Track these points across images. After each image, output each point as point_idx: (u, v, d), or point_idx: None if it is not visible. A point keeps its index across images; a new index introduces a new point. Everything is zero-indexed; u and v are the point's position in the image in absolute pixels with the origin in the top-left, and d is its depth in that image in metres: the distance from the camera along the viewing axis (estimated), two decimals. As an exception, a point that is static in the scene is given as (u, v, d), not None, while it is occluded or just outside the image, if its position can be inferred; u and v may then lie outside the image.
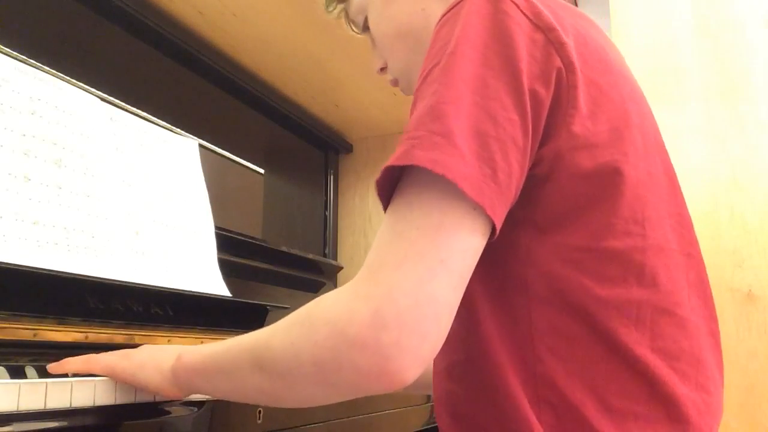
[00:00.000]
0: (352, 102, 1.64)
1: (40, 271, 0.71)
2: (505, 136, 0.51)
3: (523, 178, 0.54)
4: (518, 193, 0.54)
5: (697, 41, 1.65)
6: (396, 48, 0.76)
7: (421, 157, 0.49)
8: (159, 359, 0.62)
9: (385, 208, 0.53)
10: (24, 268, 0.69)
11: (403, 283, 0.47)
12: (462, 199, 0.49)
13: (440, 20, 0.58)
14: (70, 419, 0.56)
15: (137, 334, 0.79)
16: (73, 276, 0.74)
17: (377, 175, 0.52)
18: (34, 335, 0.68)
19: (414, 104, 0.56)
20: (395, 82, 0.81)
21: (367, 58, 1.45)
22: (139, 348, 0.68)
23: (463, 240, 0.50)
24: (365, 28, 0.79)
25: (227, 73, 1.37)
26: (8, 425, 0.50)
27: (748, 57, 1.60)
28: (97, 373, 0.62)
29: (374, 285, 0.48)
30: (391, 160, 0.51)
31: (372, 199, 1.83)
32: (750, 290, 1.50)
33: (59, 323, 0.71)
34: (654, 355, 0.54)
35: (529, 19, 0.56)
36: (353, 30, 0.85)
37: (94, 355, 0.64)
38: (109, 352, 0.66)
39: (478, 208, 0.49)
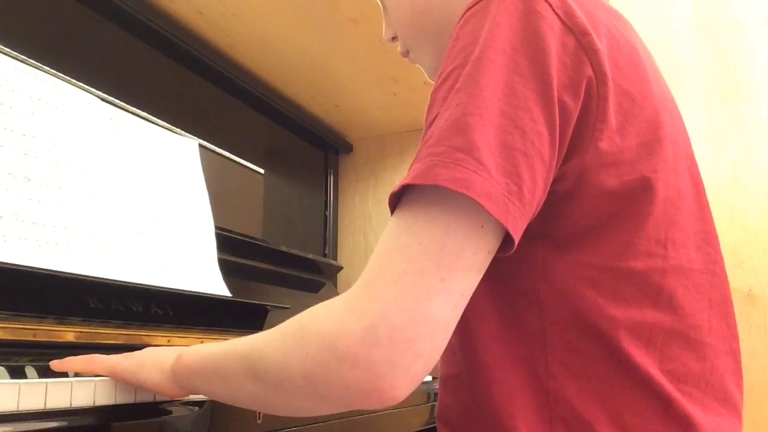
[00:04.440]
0: (352, 102, 1.64)
1: (40, 271, 0.71)
2: (532, 151, 0.48)
3: (546, 194, 0.51)
4: (539, 209, 0.51)
5: (697, 41, 1.66)
6: (410, 25, 0.72)
7: (444, 176, 0.46)
8: (160, 358, 0.62)
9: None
10: (24, 268, 0.69)
11: (399, 300, 0.46)
12: (471, 215, 0.47)
13: (465, 14, 0.55)
14: (70, 419, 0.56)
15: (137, 334, 0.79)
16: (73, 276, 0.74)
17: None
18: (34, 335, 0.68)
19: (431, 106, 0.53)
20: (405, 54, 0.77)
21: (367, 58, 1.45)
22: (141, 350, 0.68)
23: (467, 258, 0.47)
24: None
25: (227, 73, 1.37)
26: (8, 425, 0.50)
27: (748, 57, 1.60)
28: (98, 372, 0.61)
29: (369, 299, 0.47)
30: (412, 178, 0.48)
31: (372, 199, 1.83)
32: (750, 290, 1.50)
33: (59, 323, 0.71)
34: (663, 377, 0.53)
35: (562, 21, 0.52)
36: None
37: (96, 354, 0.64)
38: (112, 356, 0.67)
39: (488, 225, 0.47)
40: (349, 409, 0.50)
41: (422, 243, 0.47)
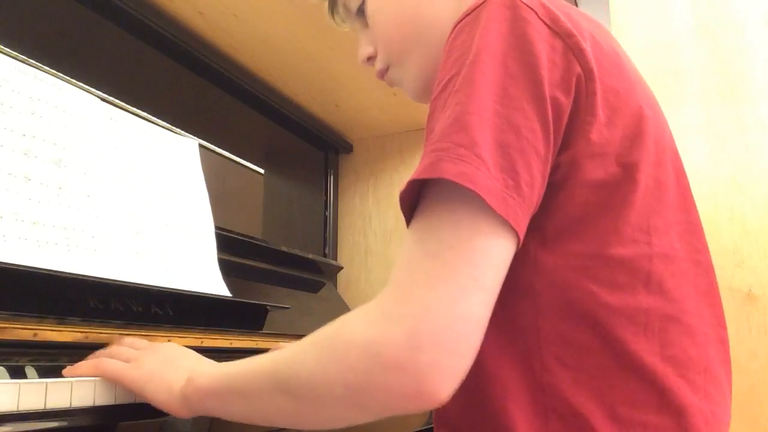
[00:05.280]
0: (352, 102, 1.64)
1: (40, 271, 0.71)
2: (527, 147, 0.51)
3: (544, 188, 0.53)
4: (539, 203, 0.53)
5: (697, 41, 1.66)
6: (394, 36, 0.73)
7: (449, 170, 0.48)
8: (168, 378, 0.62)
9: (408, 221, 0.53)
10: (24, 268, 0.69)
11: (437, 303, 0.47)
12: (491, 214, 0.48)
13: (456, 27, 0.57)
14: (70, 419, 0.56)
15: (137, 334, 0.79)
16: (73, 276, 0.74)
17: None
18: (34, 335, 0.68)
19: (431, 114, 0.55)
20: (382, 73, 0.77)
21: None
22: (151, 349, 0.68)
23: (495, 256, 0.49)
24: (359, 12, 0.76)
25: (227, 73, 1.37)
26: (8, 425, 0.50)
27: (748, 57, 1.60)
28: (106, 379, 0.62)
29: (406, 305, 0.48)
30: (418, 173, 0.50)
31: (372, 199, 1.83)
32: (750, 290, 1.50)
33: (59, 323, 0.71)
34: (663, 364, 0.54)
35: (548, 26, 0.55)
36: (334, 19, 0.80)
37: (104, 359, 0.64)
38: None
39: (507, 223, 0.49)
40: (391, 415, 0.51)
41: (452, 246, 0.49)
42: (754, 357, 1.44)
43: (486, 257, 0.49)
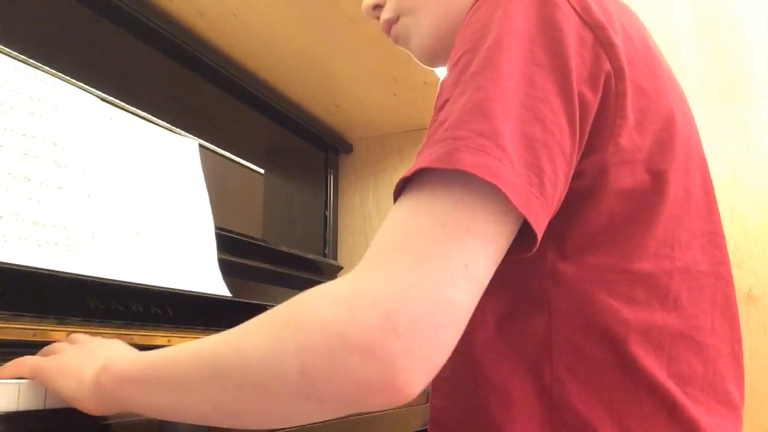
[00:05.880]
0: (352, 102, 1.64)
1: (40, 271, 0.71)
2: (553, 143, 0.46)
3: (566, 190, 0.49)
4: (560, 205, 0.49)
5: (697, 41, 1.65)
6: None
7: (469, 162, 0.43)
8: (81, 366, 0.54)
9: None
10: (24, 268, 0.69)
11: (422, 285, 0.41)
12: (494, 201, 0.44)
13: (475, 3, 0.53)
14: (70, 419, 0.56)
15: (137, 334, 0.79)
16: (73, 276, 0.74)
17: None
18: (34, 335, 0.68)
19: (441, 92, 0.51)
20: (389, 23, 0.70)
21: (367, 58, 1.45)
22: (81, 342, 0.61)
23: (490, 245, 0.44)
24: None
25: (227, 73, 1.37)
26: (8, 425, 0.50)
27: (748, 57, 1.60)
28: (24, 376, 0.54)
29: (383, 285, 0.41)
30: (431, 161, 0.44)
31: (372, 199, 1.83)
32: (750, 290, 1.50)
33: (59, 323, 0.71)
34: (669, 380, 0.53)
35: (578, 14, 0.50)
36: None
37: (24, 357, 0.57)
38: (51, 347, 0.61)
39: (509, 213, 0.44)
40: (349, 412, 0.45)
41: (446, 224, 0.43)
42: (754, 357, 1.44)
43: (481, 245, 0.43)
